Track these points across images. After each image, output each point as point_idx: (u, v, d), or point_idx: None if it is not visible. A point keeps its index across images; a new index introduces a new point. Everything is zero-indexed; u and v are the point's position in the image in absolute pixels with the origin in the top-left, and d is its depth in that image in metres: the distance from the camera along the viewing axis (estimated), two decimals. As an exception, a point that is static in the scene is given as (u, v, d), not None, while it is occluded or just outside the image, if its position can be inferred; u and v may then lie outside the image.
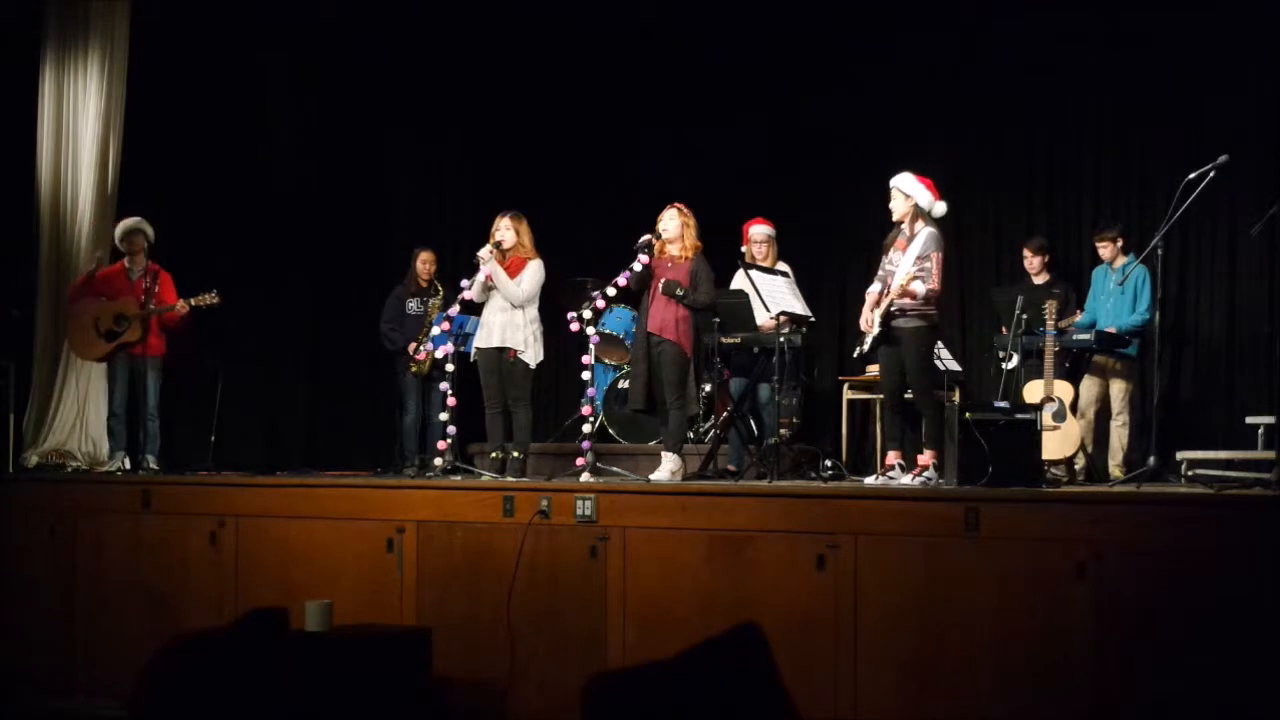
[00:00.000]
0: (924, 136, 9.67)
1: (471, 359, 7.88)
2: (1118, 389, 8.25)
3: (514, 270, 7.69)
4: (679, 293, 7.48)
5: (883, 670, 5.92)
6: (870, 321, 7.11)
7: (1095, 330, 8.07)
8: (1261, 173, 8.64)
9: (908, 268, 6.93)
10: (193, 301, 8.60)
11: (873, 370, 8.63)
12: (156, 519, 7.54)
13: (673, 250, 7.59)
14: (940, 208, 7.16)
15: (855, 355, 7.42)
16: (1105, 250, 8.46)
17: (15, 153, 9.81)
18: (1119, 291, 8.21)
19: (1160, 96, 9.17)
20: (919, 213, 7.10)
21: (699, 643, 2.81)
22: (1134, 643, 5.54)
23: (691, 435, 8.44)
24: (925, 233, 7.05)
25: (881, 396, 7.64)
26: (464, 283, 7.85)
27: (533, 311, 7.73)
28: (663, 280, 7.51)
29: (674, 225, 7.58)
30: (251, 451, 9.35)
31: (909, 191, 7.11)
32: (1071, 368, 8.29)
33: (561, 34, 10.41)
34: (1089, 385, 8.24)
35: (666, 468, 7.42)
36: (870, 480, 7.19)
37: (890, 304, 6.98)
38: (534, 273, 7.71)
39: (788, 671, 3.00)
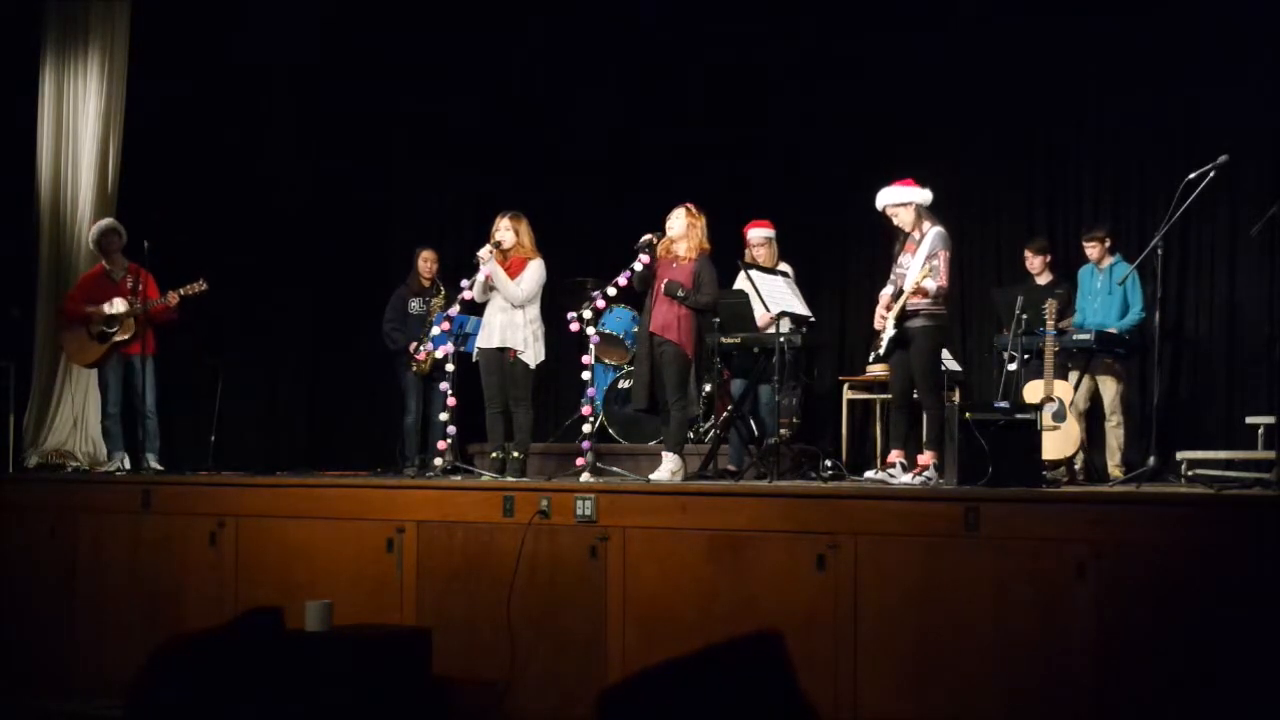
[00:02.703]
0: (924, 137, 9.68)
1: (474, 359, 7.87)
2: (1111, 389, 8.25)
3: (514, 270, 7.66)
4: (680, 294, 7.46)
5: (883, 670, 5.91)
6: (885, 322, 7.15)
7: (1095, 330, 8.07)
8: (1261, 173, 8.65)
9: (919, 268, 6.98)
10: (182, 291, 8.59)
11: (874, 370, 8.64)
12: (156, 519, 7.53)
13: (678, 250, 7.55)
14: (928, 194, 7.20)
15: (871, 360, 7.46)
16: (1092, 250, 8.47)
17: (15, 153, 9.81)
18: (1107, 292, 8.22)
19: (1160, 96, 9.17)
20: (922, 214, 7.15)
21: (715, 653, 2.74)
22: (1134, 643, 5.53)
23: (691, 435, 8.43)
24: (933, 232, 7.13)
25: (884, 396, 7.65)
26: (464, 283, 7.84)
27: (533, 311, 7.70)
28: (665, 281, 7.50)
29: (680, 224, 7.54)
30: (251, 451, 9.34)
31: (906, 199, 7.15)
32: (1067, 367, 8.30)
33: (561, 33, 10.42)
34: (1081, 385, 8.24)
35: (666, 468, 7.40)
36: (869, 474, 7.19)
37: (904, 305, 7.02)
38: (534, 273, 7.68)
39: (787, 671, 2.99)
